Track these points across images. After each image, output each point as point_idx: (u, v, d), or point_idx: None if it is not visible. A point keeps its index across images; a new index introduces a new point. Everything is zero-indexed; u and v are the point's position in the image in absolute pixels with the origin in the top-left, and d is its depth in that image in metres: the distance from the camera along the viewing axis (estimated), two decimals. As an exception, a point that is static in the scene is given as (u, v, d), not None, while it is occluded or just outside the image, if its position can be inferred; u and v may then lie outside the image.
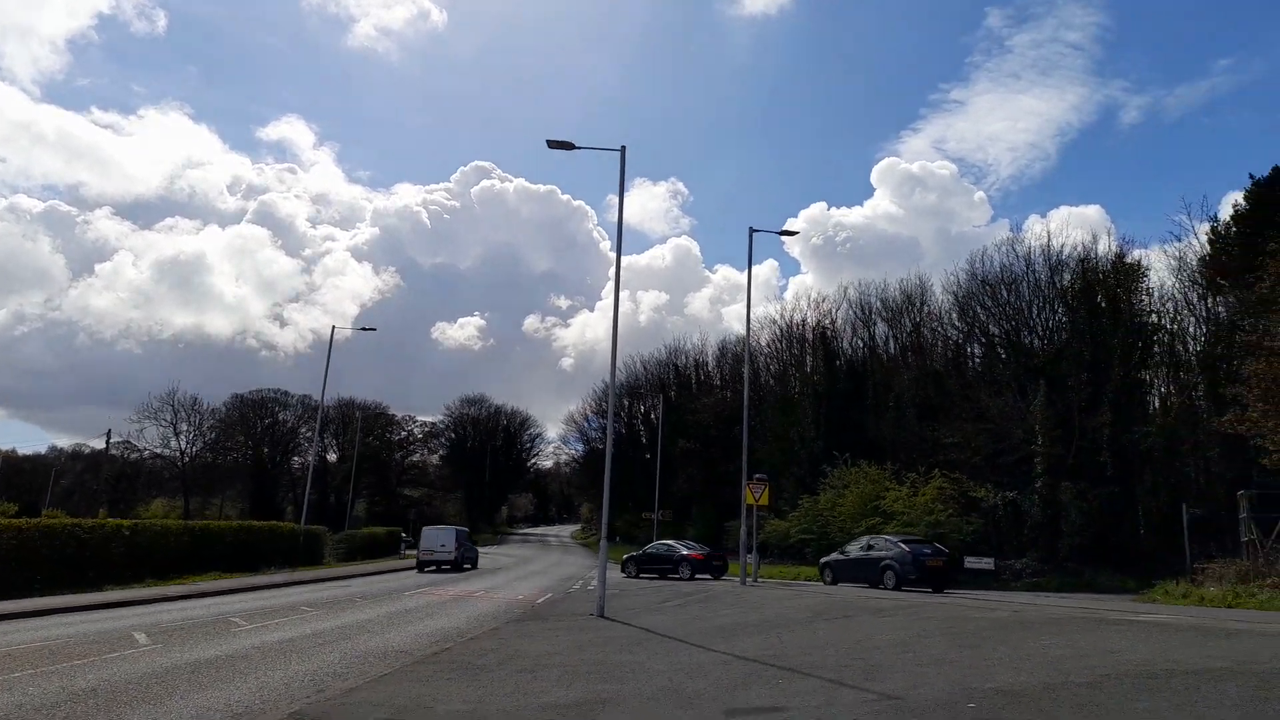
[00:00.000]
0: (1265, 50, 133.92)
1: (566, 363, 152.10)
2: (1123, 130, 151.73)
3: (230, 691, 9.12)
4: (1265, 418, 22.96)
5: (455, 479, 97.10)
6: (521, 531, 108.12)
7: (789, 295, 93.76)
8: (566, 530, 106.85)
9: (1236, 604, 20.26)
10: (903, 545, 26.34)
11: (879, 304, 52.98)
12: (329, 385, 47.60)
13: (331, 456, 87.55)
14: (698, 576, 30.20)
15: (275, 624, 15.71)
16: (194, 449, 76.11)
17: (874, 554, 26.92)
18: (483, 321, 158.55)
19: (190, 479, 75.17)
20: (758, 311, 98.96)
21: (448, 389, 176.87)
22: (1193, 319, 39.05)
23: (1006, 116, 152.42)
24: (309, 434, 79.13)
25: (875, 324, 53.23)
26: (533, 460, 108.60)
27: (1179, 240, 44.96)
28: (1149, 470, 35.50)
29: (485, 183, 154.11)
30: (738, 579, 27.60)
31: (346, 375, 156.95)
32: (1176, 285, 39.53)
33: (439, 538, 38.07)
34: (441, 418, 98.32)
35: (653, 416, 70.52)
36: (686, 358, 72.78)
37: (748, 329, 31.80)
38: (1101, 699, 7.40)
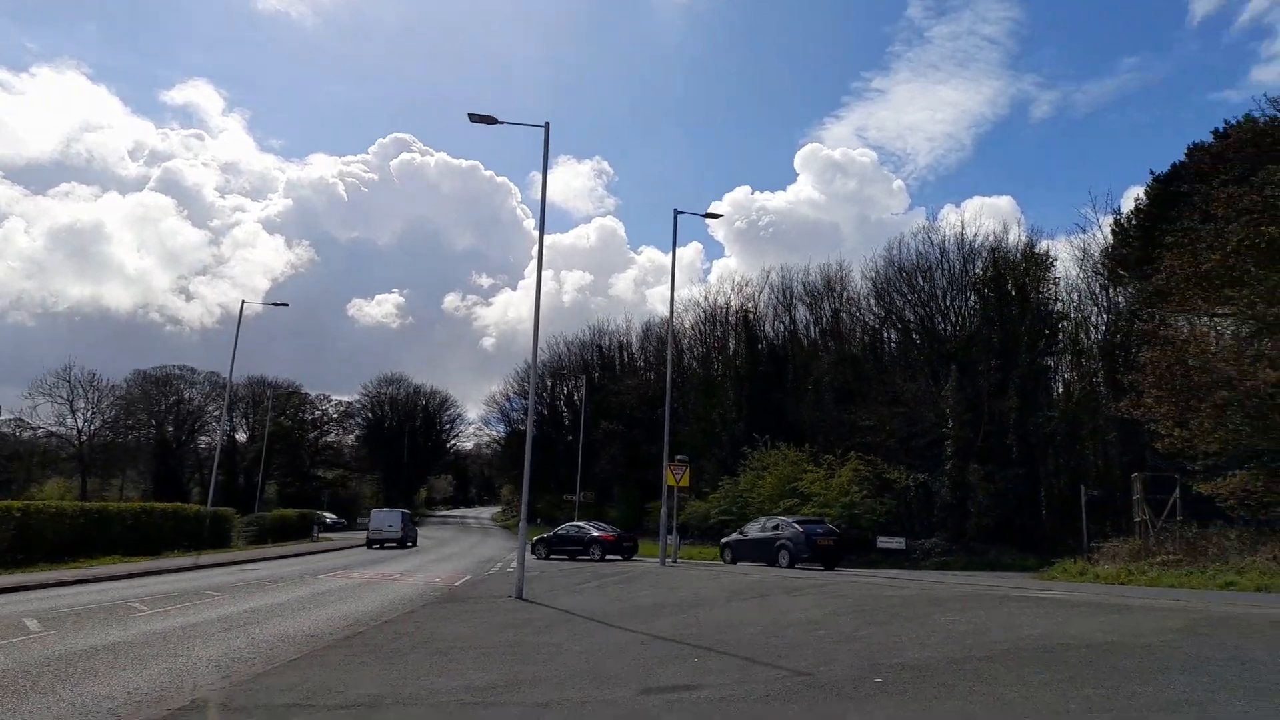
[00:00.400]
0: (1168, 51, 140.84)
1: (488, 342, 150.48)
2: (1034, 124, 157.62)
3: (129, 678, 8.73)
4: (1159, 404, 24.19)
5: (372, 460, 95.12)
6: (440, 514, 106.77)
7: (713, 278, 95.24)
8: (487, 512, 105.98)
9: (1128, 581, 21.37)
10: (797, 526, 27.23)
11: (800, 289, 53.96)
12: (239, 362, 46.01)
13: (241, 436, 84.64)
14: (608, 558, 30.42)
15: (178, 609, 15.12)
16: (92, 427, 72.51)
17: (770, 534, 27.67)
18: (401, 299, 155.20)
19: (88, 459, 71.63)
20: (682, 294, 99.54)
21: (364, 368, 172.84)
22: (1095, 308, 40.91)
23: (925, 107, 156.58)
24: (217, 413, 76.20)
25: (796, 308, 54.20)
26: (453, 441, 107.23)
27: (1084, 232, 47.07)
28: (1051, 453, 37.13)
29: (405, 156, 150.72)
30: (655, 560, 27.80)
31: (257, 352, 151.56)
32: (1081, 275, 41.36)
33: (387, 519, 42.67)
34: (358, 397, 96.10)
35: (575, 398, 70.34)
36: (610, 339, 72.81)
37: (671, 311, 31.92)
38: (1000, 672, 7.68)
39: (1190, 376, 23.43)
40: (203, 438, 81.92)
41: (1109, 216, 41.00)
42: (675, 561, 27.99)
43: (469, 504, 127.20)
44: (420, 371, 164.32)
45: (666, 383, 29.27)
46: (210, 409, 79.79)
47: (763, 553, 27.31)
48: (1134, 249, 35.31)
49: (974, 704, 6.53)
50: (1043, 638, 9.59)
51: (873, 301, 47.19)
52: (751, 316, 54.13)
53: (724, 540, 30.40)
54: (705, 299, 60.08)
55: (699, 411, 51.55)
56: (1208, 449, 22.72)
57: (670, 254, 29.47)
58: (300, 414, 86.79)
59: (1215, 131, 33.57)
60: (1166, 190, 34.60)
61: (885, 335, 47.50)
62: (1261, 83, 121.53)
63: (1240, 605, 13.40)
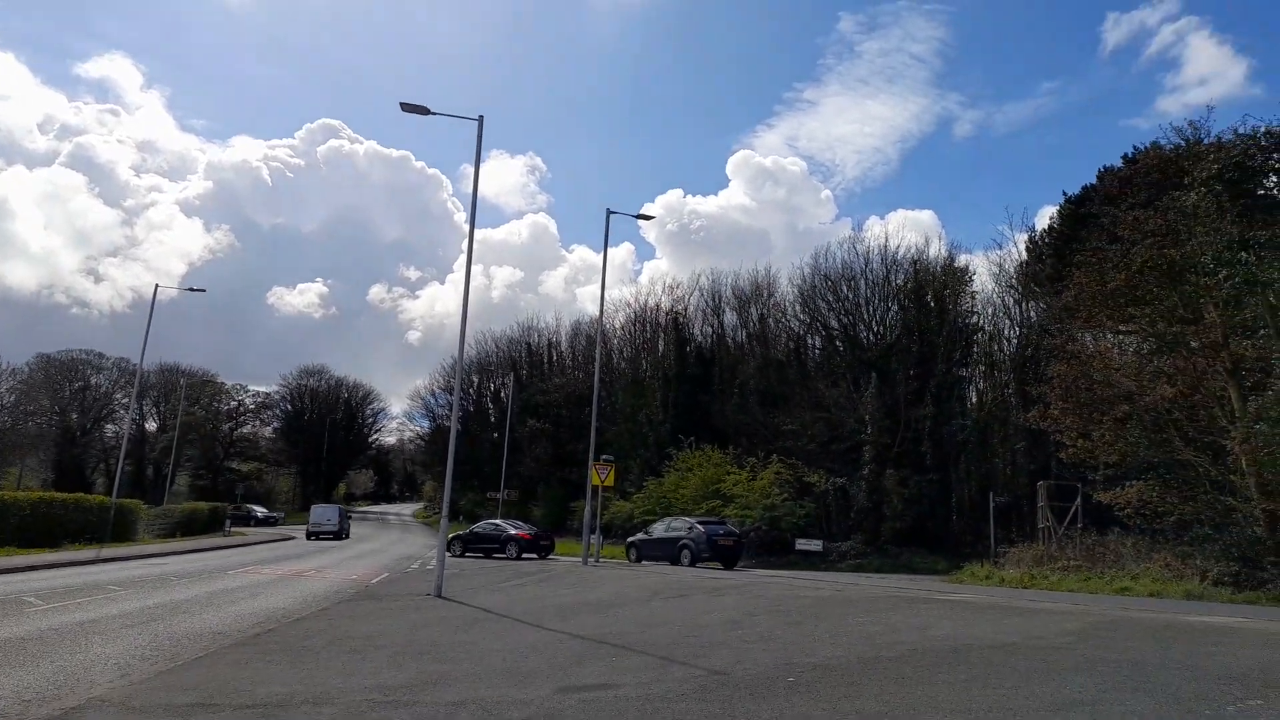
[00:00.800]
0: (1083, 78, 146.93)
1: (413, 336, 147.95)
2: (956, 141, 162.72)
3: (20, 677, 8.32)
4: (1064, 415, 25.25)
5: (290, 453, 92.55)
6: (360, 509, 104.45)
7: (644, 279, 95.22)
8: (408, 509, 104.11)
9: (1032, 585, 22.27)
10: (699, 526, 28.29)
11: (729, 293, 54.59)
12: (150, 349, 44.35)
13: (151, 426, 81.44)
14: (524, 556, 30.43)
15: (76, 604, 14.46)
16: (-11, 412, 68.83)
17: (673, 534, 28.62)
18: (325, 289, 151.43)
19: (-17, 446, 67.93)
20: (613, 294, 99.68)
21: (284, 358, 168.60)
22: (1008, 322, 42.45)
23: (854, 120, 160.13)
24: (125, 400, 73.29)
25: (725, 312, 54.80)
26: (375, 436, 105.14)
27: (1000, 248, 48.79)
28: (964, 460, 38.42)
29: (333, 142, 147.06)
30: (577, 559, 27.78)
31: (170, 339, 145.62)
32: (996, 290, 42.88)
33: (326, 513, 47.77)
34: (277, 388, 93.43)
35: (502, 395, 69.72)
36: (540, 336, 72.30)
37: (601, 311, 31.95)
38: (908, 671, 7.93)
39: (1094, 390, 24.53)
40: (110, 426, 78.59)
41: (1024, 234, 42.70)
42: (598, 561, 28.02)
43: (390, 500, 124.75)
44: (343, 364, 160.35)
45: (594, 382, 29.28)
46: (118, 396, 76.63)
47: (666, 551, 28.05)
48: (1046, 266, 36.78)
49: (882, 703, 6.73)
50: (950, 639, 9.93)
51: (798, 308, 48.09)
52: (681, 319, 54.54)
53: (630, 540, 30.93)
54: (636, 300, 60.28)
55: (626, 412, 51.67)
56: (1108, 460, 23.82)
57: (602, 254, 29.49)
58: (215, 404, 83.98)
59: (1125, 156, 35.20)
60: (1078, 211, 36.15)
61: (810, 341, 48.41)
62: (1166, 112, 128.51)
63: (1133, 610, 14.10)
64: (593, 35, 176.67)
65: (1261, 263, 20.72)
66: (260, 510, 65.64)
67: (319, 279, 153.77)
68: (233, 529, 49.49)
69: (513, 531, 32.05)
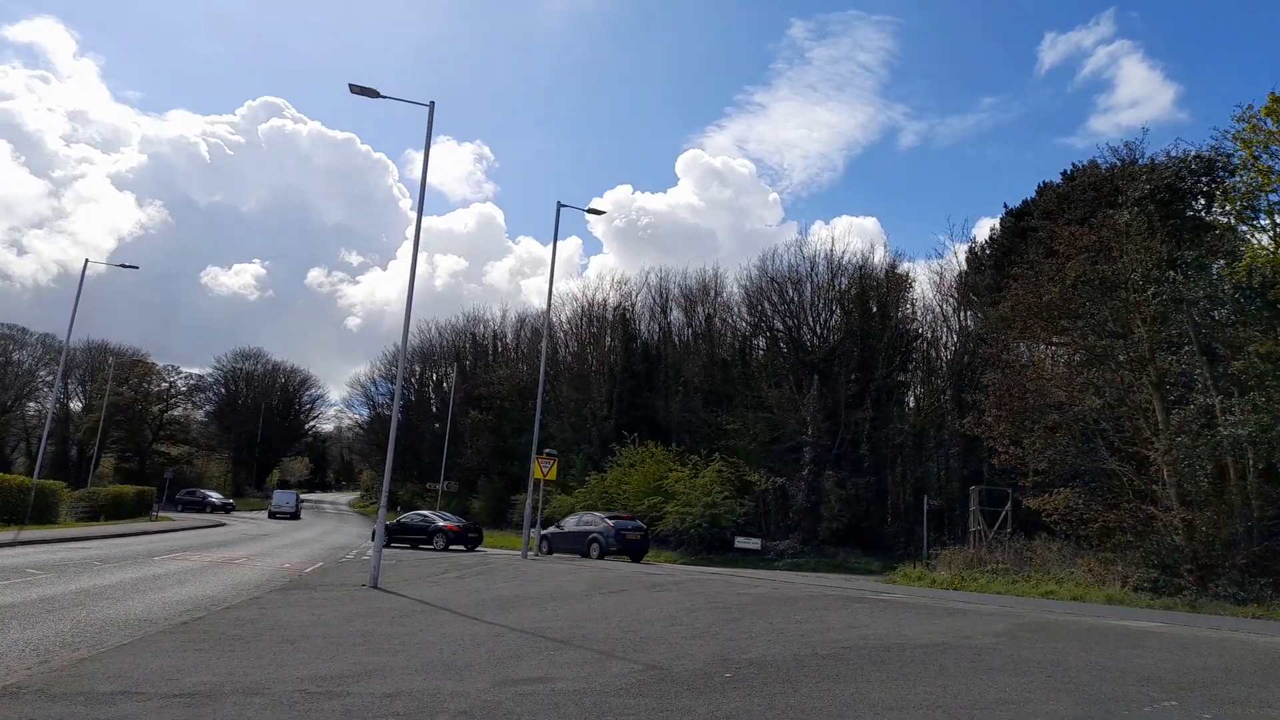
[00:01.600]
0: (1021, 95, 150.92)
1: (353, 322, 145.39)
2: (901, 151, 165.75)
3: (-75, 664, 7.96)
4: (998, 422, 25.96)
5: (222, 438, 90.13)
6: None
7: (590, 273, 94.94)
8: (345, 498, 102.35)
9: (962, 586, 22.87)
10: (608, 521, 29.31)
11: (677, 291, 54.77)
12: (78, 325, 42.76)
13: (76, 405, 78.49)
14: (451, 548, 30.66)
15: (-9, 589, 13.90)
16: (-100, 387, 65.69)
17: (584, 528, 29.38)
18: (262, 270, 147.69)
19: (-107, 421, 64.80)
20: (560, 288, 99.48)
21: (218, 340, 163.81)
22: (947, 330, 43.44)
23: (803, 125, 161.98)
24: (50, 378, 70.42)
25: (672, 310, 54.98)
26: (312, 423, 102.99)
27: (941, 257, 49.86)
28: (900, 464, 39.23)
29: (276, 121, 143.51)
30: (517, 552, 27.66)
31: (99, 316, 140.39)
32: (936, 298, 43.85)
33: (286, 497, 58.66)
34: (210, 370, 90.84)
35: (445, 385, 68.89)
36: (485, 327, 71.60)
37: (549, 304, 31.79)
38: (842, 669, 8.09)
39: (1026, 399, 25.27)
40: (32, 404, 75.67)
41: (964, 244, 43.68)
42: (538, 555, 27.93)
43: (326, 488, 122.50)
44: (279, 348, 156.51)
45: (540, 375, 29.13)
46: (42, 374, 73.72)
47: (576, 544, 28.79)
48: (985, 277, 37.74)
49: (816, 699, 6.85)
50: (882, 638, 10.15)
51: (745, 309, 48.51)
52: (628, 315, 54.57)
53: (542, 533, 31.23)
54: (584, 294, 60.19)
55: (571, 406, 51.54)
56: (1038, 467, 24.56)
57: (551, 246, 29.36)
58: (145, 385, 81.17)
59: (1064, 173, 36.32)
60: (1017, 224, 37.16)
61: (755, 342, 48.86)
62: (1097, 131, 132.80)
63: (1057, 613, 14.58)
64: (544, 28, 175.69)
65: (1187, 281, 21.57)
66: (215, 496, 63.75)
67: (256, 260, 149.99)
68: (184, 514, 48.20)
69: (440, 523, 32.23)
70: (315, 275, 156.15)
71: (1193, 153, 22.85)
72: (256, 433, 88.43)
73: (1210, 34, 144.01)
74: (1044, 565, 23.31)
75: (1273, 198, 21.57)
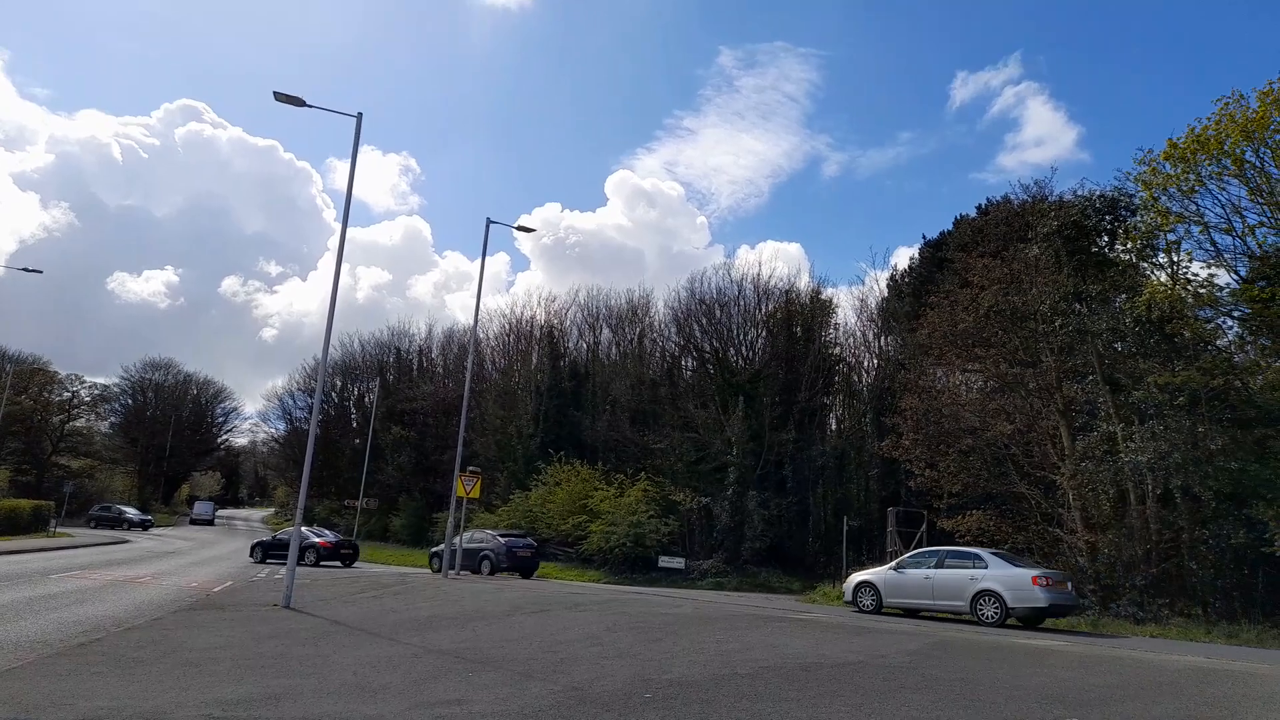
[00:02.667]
0: (938, 130, 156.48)
1: (269, 333, 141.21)
2: (824, 180, 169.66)
3: None
4: (915, 445, 26.74)
5: (128, 450, 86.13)
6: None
7: (517, 290, 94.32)
8: (259, 514, 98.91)
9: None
10: (500, 539, 30.15)
11: (606, 310, 54.84)
12: (-26, 330, 40.29)
13: (-31, 414, 74.10)
14: (323, 564, 31.64)
15: None
16: None
17: (476, 545, 29.86)
18: (174, 277, 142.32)
19: None
20: (488, 303, 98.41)
21: (125, 349, 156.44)
22: (868, 355, 44.53)
23: (730, 151, 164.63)
24: (-60, 385, 66.43)
25: (601, 329, 54.97)
26: (225, 436, 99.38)
27: (863, 284, 51.14)
28: (822, 485, 39.92)
29: (195, 125, 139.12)
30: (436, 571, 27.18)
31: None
32: (858, 323, 44.97)
33: (205, 506, 73.00)
34: (117, 380, 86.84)
35: (367, 400, 67.40)
36: (410, 342, 70.31)
37: (475, 320, 31.46)
38: (761, 689, 8.18)
39: (942, 424, 26.11)
40: (-83, 412, 70.93)
41: (885, 272, 44.96)
42: (458, 573, 27.49)
43: (238, 504, 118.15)
44: (190, 358, 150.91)
45: (465, 391, 28.77)
46: (-70, 380, 69.34)
47: (468, 562, 28.98)
48: (905, 304, 38.92)
49: (735, 719, 6.91)
50: (801, 657, 10.30)
51: (673, 330, 48.85)
52: (557, 333, 54.37)
53: (433, 550, 31.68)
54: (512, 311, 59.81)
55: (496, 423, 50.94)
56: (952, 489, 25.37)
57: (479, 261, 29.14)
58: (45, 394, 77.10)
59: (978, 207, 37.82)
60: (935, 254, 38.48)
61: (683, 363, 49.22)
62: (1006, 168, 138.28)
63: (967, 631, 15.02)
64: (473, 42, 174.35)
65: (1092, 314, 22.65)
66: (133, 512, 60.43)
67: (169, 267, 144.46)
68: (57, 530, 45.58)
69: (315, 539, 32.82)
70: (230, 284, 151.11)
71: (1097, 192, 24.06)
72: (165, 446, 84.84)
73: (1111, 79, 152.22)
74: (956, 585, 23.98)
75: (1170, 237, 22.89)
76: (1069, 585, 18.16)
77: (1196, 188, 22.33)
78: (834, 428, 44.08)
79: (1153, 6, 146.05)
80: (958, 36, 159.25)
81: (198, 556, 34.56)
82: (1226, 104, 22.22)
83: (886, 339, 42.66)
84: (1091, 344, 22.85)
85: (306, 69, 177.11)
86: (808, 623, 14.48)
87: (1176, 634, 17.70)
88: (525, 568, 29.56)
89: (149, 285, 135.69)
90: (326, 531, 35.54)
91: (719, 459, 39.18)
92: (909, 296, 38.86)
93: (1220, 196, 22.75)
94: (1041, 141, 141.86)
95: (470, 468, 29.40)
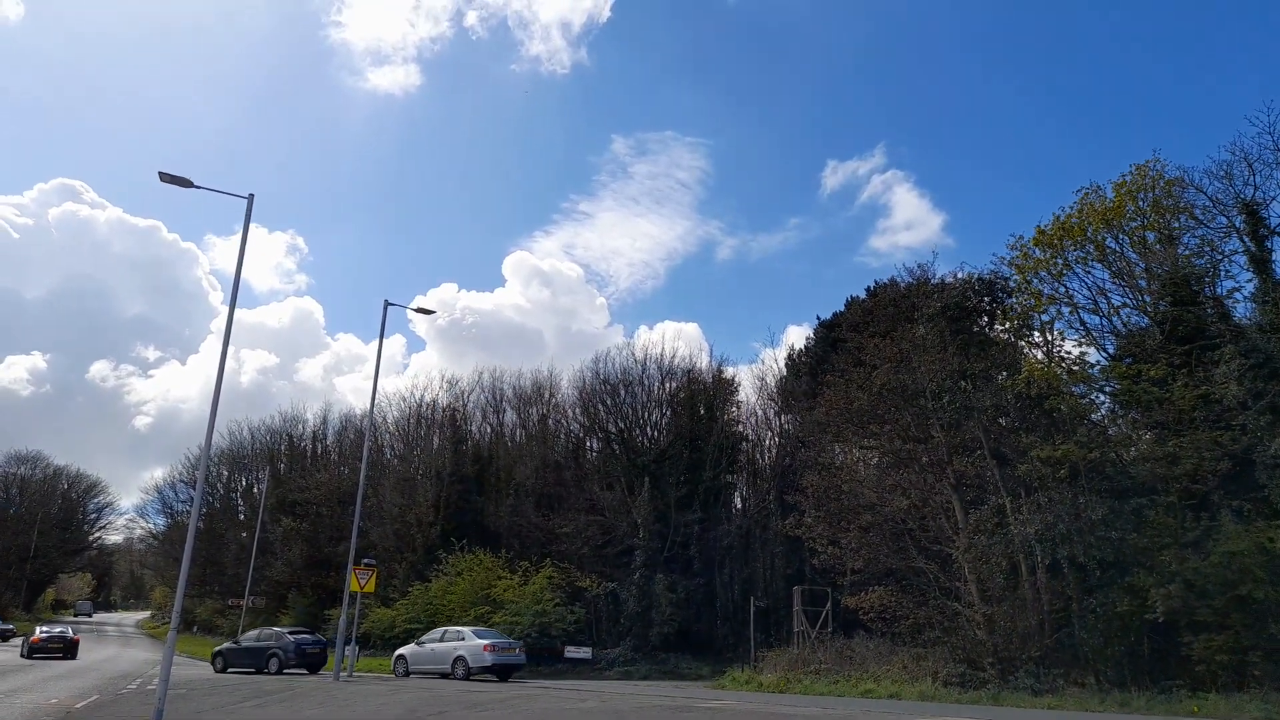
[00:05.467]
0: (820, 216, 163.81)
1: (142, 421, 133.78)
2: (717, 263, 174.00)
3: None
4: (817, 523, 27.07)
5: (-14, 553, 79.13)
6: (71, 619, 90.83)
7: (411, 371, 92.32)
8: (133, 617, 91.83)
9: (787, 689, 23.18)
10: (289, 635, 30.92)
11: (510, 391, 54.24)
12: None
13: None
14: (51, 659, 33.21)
15: None
16: None
17: (263, 644, 30.62)
18: (41, 364, 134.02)
19: None
20: (385, 386, 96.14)
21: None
22: (769, 433, 45.20)
23: (626, 235, 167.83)
24: None
25: (505, 411, 54.21)
26: (97, 534, 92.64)
27: (761, 363, 52.36)
28: (728, 564, 39.82)
29: (71, 205, 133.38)
30: (329, 675, 25.62)
31: None
32: (759, 402, 45.75)
33: (85, 606, 71.60)
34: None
35: (255, 490, 64.20)
36: (304, 428, 67.75)
37: (372, 404, 30.67)
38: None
39: (842, 500, 26.57)
40: None
41: (782, 351, 46.12)
42: (351, 675, 25.97)
43: (110, 608, 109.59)
44: (56, 449, 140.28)
45: (361, 478, 27.81)
46: None
47: (255, 660, 29.66)
48: (803, 383, 39.92)
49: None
50: (708, 751, 10.01)
51: (579, 410, 48.59)
52: (459, 416, 53.31)
53: (216, 650, 32.66)
54: (412, 393, 58.24)
55: (394, 512, 49.09)
56: (855, 566, 25.67)
57: (373, 343, 28.57)
58: (-110, 493, 70.62)
59: (868, 289, 39.48)
60: (828, 334, 39.81)
61: (588, 443, 48.87)
62: (877, 249, 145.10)
63: (875, 713, 14.99)
64: (353, 127, 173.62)
65: (976, 391, 23.71)
66: None
67: (35, 352, 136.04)
68: None
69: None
70: (99, 369, 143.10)
71: (976, 275, 25.54)
72: (30, 546, 78.36)
73: (969, 170, 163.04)
74: (863, 663, 24.09)
75: (1044, 317, 24.38)
76: (517, 650, 27.49)
77: (1064, 271, 24.00)
78: (739, 506, 44.30)
79: (1002, 104, 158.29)
80: (825, 128, 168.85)
81: (63, 668, 31.58)
82: (1086, 194, 24.13)
83: (786, 417, 43.48)
84: (978, 419, 23.84)
85: (186, 149, 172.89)
86: (717, 711, 14.19)
87: (1073, 704, 18.10)
88: (314, 664, 29.97)
89: (9, 372, 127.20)
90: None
91: (625, 542, 38.71)
92: (806, 375, 39.88)
93: (1086, 279, 24.51)
94: (911, 226, 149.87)
95: (365, 560, 28.25)
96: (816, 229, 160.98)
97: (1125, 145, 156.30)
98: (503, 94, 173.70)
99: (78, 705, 18.64)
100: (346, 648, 25.95)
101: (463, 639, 27.93)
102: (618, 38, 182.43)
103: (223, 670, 30.26)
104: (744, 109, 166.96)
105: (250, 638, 32.08)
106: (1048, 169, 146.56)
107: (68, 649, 36.15)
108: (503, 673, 27.28)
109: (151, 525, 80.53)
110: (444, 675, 26.85)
